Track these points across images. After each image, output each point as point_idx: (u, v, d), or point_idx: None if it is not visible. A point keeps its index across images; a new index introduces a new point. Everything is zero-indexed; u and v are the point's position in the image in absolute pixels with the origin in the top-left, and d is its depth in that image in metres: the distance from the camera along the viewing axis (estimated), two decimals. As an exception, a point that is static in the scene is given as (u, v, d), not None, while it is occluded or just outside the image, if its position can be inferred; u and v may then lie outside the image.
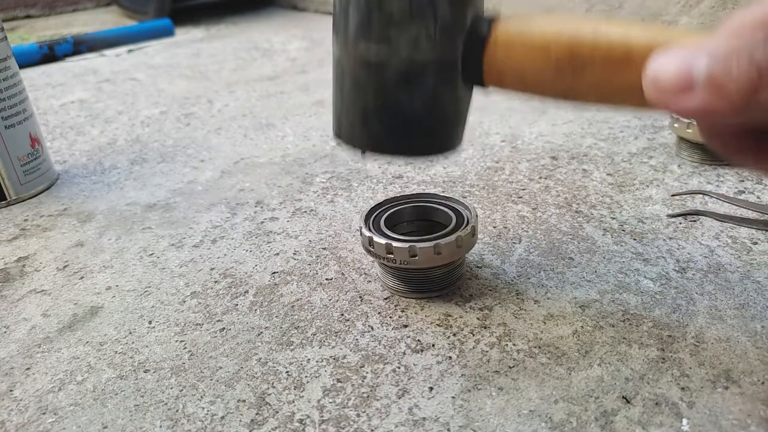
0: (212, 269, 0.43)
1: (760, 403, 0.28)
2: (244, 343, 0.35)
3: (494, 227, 0.45)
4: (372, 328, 0.35)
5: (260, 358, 0.34)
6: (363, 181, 0.55)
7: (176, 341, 0.36)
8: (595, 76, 0.26)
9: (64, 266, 0.45)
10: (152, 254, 0.45)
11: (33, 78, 1.04)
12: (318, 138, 0.67)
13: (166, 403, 0.31)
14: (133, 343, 0.36)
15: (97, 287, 0.42)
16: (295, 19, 1.49)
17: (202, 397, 0.31)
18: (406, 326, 0.35)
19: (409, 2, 0.27)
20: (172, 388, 0.32)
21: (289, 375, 0.32)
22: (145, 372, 0.33)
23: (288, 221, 0.49)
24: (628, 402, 0.29)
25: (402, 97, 0.29)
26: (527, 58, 0.27)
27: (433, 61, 0.28)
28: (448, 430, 0.28)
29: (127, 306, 0.39)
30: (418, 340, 0.34)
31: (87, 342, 0.36)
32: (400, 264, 0.35)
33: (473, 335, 0.34)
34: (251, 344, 0.35)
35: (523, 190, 0.51)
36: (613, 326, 0.34)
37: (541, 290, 0.38)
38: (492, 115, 0.69)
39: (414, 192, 0.42)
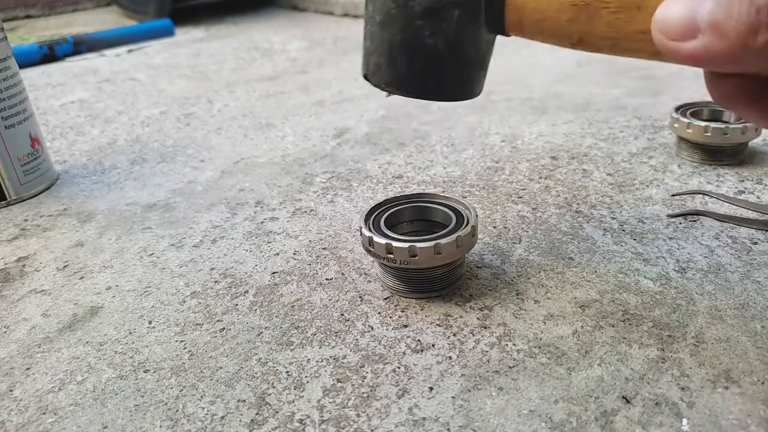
0: (212, 269, 0.43)
1: (760, 403, 0.28)
2: (244, 343, 0.35)
3: (494, 227, 0.45)
4: (372, 328, 0.35)
5: (260, 358, 0.34)
6: (363, 181, 0.55)
7: (176, 341, 0.36)
8: (608, 23, 0.27)
9: (64, 266, 0.45)
10: (152, 254, 0.45)
11: (33, 78, 1.04)
12: (318, 138, 0.67)
13: (166, 403, 0.31)
14: (133, 343, 0.36)
15: (97, 287, 0.42)
16: (295, 19, 1.49)
17: (202, 397, 0.31)
18: (406, 326, 0.35)
19: None
20: (172, 388, 0.32)
21: (289, 375, 0.32)
22: (145, 372, 0.33)
23: (288, 221, 0.49)
24: (628, 402, 0.29)
25: (425, 33, 0.30)
26: (545, 3, 0.28)
27: (457, 1, 0.29)
28: (448, 430, 0.28)
29: (127, 306, 0.39)
30: (418, 340, 0.34)
31: (87, 342, 0.36)
32: (400, 264, 0.35)
33: (473, 335, 0.34)
34: (251, 344, 0.35)
35: (523, 190, 0.51)
36: (613, 326, 0.34)
37: (541, 290, 0.38)
38: (492, 115, 0.69)
39: (414, 192, 0.42)
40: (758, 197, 0.47)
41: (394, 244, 0.35)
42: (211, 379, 0.32)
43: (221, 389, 0.32)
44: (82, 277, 0.43)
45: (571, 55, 0.93)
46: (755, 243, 0.41)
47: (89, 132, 0.75)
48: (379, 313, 0.37)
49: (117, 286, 0.42)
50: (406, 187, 0.53)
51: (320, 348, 0.34)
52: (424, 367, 0.32)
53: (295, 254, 0.44)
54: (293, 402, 0.30)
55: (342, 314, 0.37)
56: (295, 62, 1.03)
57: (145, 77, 1.00)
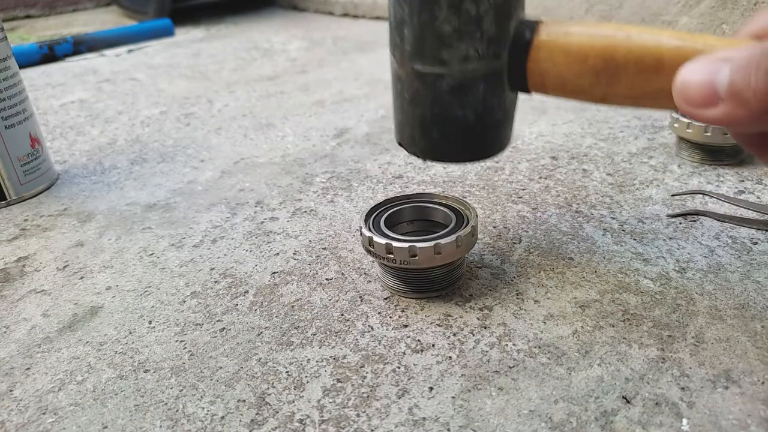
0: (212, 269, 0.43)
1: (760, 403, 0.28)
2: (244, 343, 0.35)
3: (494, 227, 0.45)
4: (372, 328, 0.35)
5: (260, 358, 0.34)
6: (363, 181, 0.55)
7: (176, 341, 0.36)
8: (628, 83, 0.28)
9: (64, 266, 0.45)
10: (152, 254, 0.45)
11: (33, 78, 1.04)
12: (318, 138, 0.67)
13: (166, 403, 0.31)
14: (133, 343, 0.36)
15: (97, 287, 0.42)
16: (295, 19, 1.49)
17: (202, 397, 0.31)
18: (406, 326, 0.35)
19: (457, 22, 0.29)
20: (172, 388, 0.32)
21: (289, 375, 0.32)
22: (145, 372, 0.33)
23: (288, 221, 0.49)
24: (628, 402, 0.29)
25: (455, 107, 0.32)
26: (566, 65, 0.30)
27: (482, 72, 0.31)
28: (448, 430, 0.28)
29: (127, 306, 0.39)
30: (418, 340, 0.34)
31: (87, 342, 0.36)
32: (400, 264, 0.35)
33: (473, 335, 0.34)
34: (251, 344, 0.35)
35: (523, 190, 0.51)
36: (613, 326, 0.34)
37: (541, 290, 0.38)
38: (492, 115, 0.69)
39: (414, 192, 0.42)
40: (758, 197, 0.47)
41: (394, 244, 0.35)
42: (211, 379, 0.32)
43: (221, 389, 0.32)
44: (82, 277, 0.43)
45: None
46: (755, 243, 0.41)
47: (89, 132, 0.75)
48: (379, 313, 0.37)
49: (117, 286, 0.42)
50: (406, 187, 0.53)
51: (320, 348, 0.34)
52: (424, 367, 0.32)
53: (295, 254, 0.44)
54: (293, 402, 0.30)
55: (342, 314, 0.37)
56: (295, 62, 1.03)
57: (145, 77, 1.00)
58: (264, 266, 0.43)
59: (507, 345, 0.33)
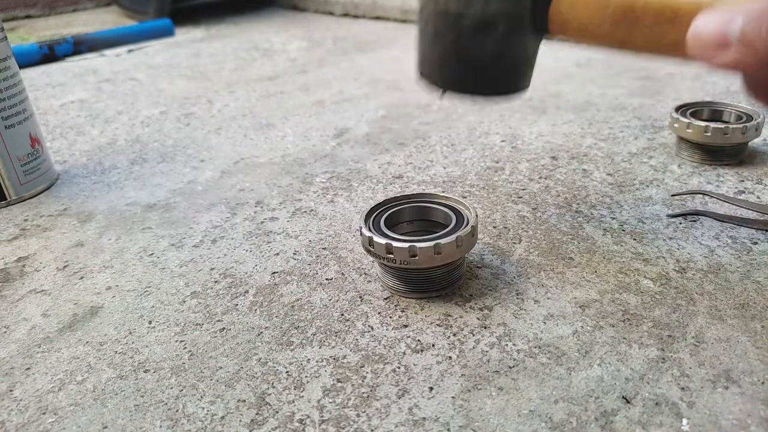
0: (212, 269, 0.43)
1: (760, 403, 0.28)
2: (244, 343, 0.35)
3: (494, 227, 0.45)
4: (372, 328, 0.35)
5: (260, 358, 0.34)
6: (363, 181, 0.55)
7: (176, 341, 0.36)
8: (646, 32, 0.30)
9: (64, 266, 0.45)
10: (152, 254, 0.45)
11: (33, 78, 1.04)
12: (318, 138, 0.67)
13: (166, 403, 0.31)
14: (133, 343, 0.36)
15: (97, 287, 0.42)
16: (295, 19, 1.49)
17: (202, 397, 0.31)
18: (406, 326, 0.35)
19: None
20: (172, 388, 0.32)
21: (289, 375, 0.32)
22: (145, 372, 0.33)
23: (288, 221, 0.49)
24: (628, 402, 0.29)
25: (475, 44, 0.33)
26: (587, 11, 0.31)
27: (504, 13, 0.32)
28: (448, 430, 0.28)
29: (127, 306, 0.39)
30: (418, 340, 0.34)
31: (87, 342, 0.36)
32: (400, 264, 0.35)
33: (473, 335, 0.34)
34: (251, 344, 0.35)
35: (523, 190, 0.51)
36: (613, 326, 0.34)
37: (541, 290, 0.38)
38: (492, 115, 0.69)
39: (414, 192, 0.42)
40: (758, 197, 0.47)
41: (394, 244, 0.35)
42: (211, 379, 0.32)
43: (221, 389, 0.32)
44: (82, 277, 0.43)
45: (570, 55, 0.93)
46: (755, 243, 0.41)
47: (89, 132, 0.75)
48: (379, 313, 0.37)
49: (117, 286, 0.42)
50: (406, 187, 0.53)
51: (320, 348, 0.34)
52: (424, 367, 0.32)
53: (295, 254, 0.44)
54: (293, 402, 0.30)
55: (342, 314, 0.37)
56: (295, 62, 1.03)
57: (145, 77, 1.00)
58: (264, 266, 0.43)
59: (507, 345, 0.33)
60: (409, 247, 0.35)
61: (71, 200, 0.56)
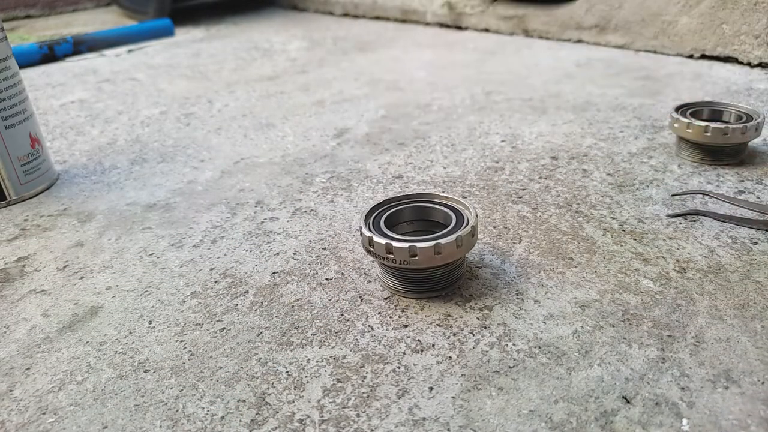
0: (212, 269, 0.43)
1: (760, 403, 0.28)
2: (244, 343, 0.35)
3: (494, 227, 0.45)
4: (372, 328, 0.35)
5: (260, 358, 0.34)
6: (363, 181, 0.55)
7: (176, 341, 0.36)
8: None
9: (64, 266, 0.45)
10: (152, 254, 0.45)
11: (33, 78, 1.04)
12: (318, 138, 0.67)
13: (166, 403, 0.31)
14: (133, 343, 0.36)
15: (97, 287, 0.42)
16: (295, 19, 1.49)
17: (202, 397, 0.31)
18: (406, 326, 0.35)
19: None
20: (172, 388, 0.32)
21: (289, 375, 0.32)
22: (145, 372, 0.33)
23: (288, 221, 0.49)
24: (628, 402, 0.29)
25: None
26: None
27: None
28: (448, 430, 0.28)
29: (127, 306, 0.39)
30: (418, 340, 0.34)
31: (87, 342, 0.36)
32: (400, 264, 0.35)
33: (473, 335, 0.34)
34: (251, 344, 0.35)
35: (523, 190, 0.51)
36: (613, 326, 0.34)
37: (541, 290, 0.38)
38: (492, 115, 0.69)
39: (414, 192, 0.42)
40: (758, 197, 0.47)
41: (394, 244, 0.35)
42: (211, 379, 0.32)
43: (221, 389, 0.32)
44: (82, 277, 0.43)
45: (571, 55, 0.93)
46: (755, 243, 0.41)
47: (89, 132, 0.75)
48: (379, 313, 0.37)
49: (117, 286, 0.42)
50: (406, 187, 0.53)
51: (320, 348, 0.34)
52: (424, 367, 0.32)
53: (295, 254, 0.44)
54: (293, 402, 0.30)
55: (342, 314, 0.37)
56: (295, 62, 1.03)
57: (145, 77, 1.00)
58: (264, 266, 0.43)
59: (507, 345, 0.33)
60: (409, 247, 0.35)
61: (71, 200, 0.56)
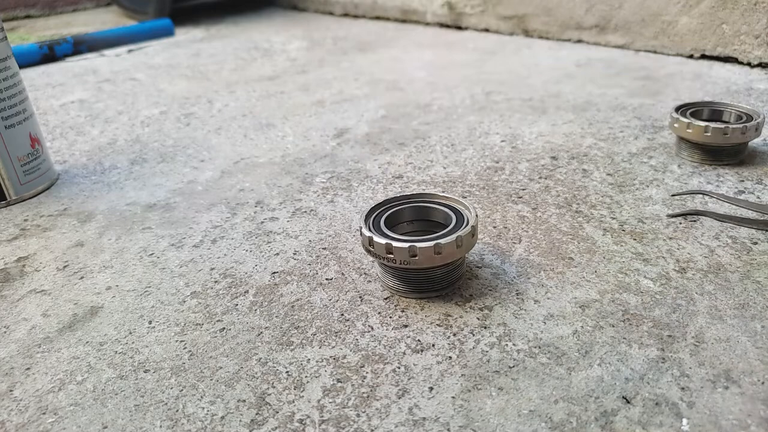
0: (212, 269, 0.43)
1: (760, 403, 0.28)
2: (244, 343, 0.35)
3: (494, 227, 0.45)
4: (372, 328, 0.35)
5: (260, 358, 0.34)
6: (363, 181, 0.55)
7: (176, 341, 0.36)
8: None
9: (64, 266, 0.45)
10: (152, 254, 0.45)
11: (33, 78, 1.04)
12: (318, 138, 0.67)
13: (166, 403, 0.31)
14: (133, 343, 0.36)
15: (97, 287, 0.42)
16: (295, 19, 1.49)
17: (202, 397, 0.31)
18: (406, 326, 0.35)
19: None
20: (172, 388, 0.32)
21: (289, 375, 0.32)
22: (145, 372, 0.33)
23: (288, 221, 0.49)
24: (628, 402, 0.29)
25: None
26: None
27: None
28: (448, 430, 0.28)
29: (127, 306, 0.39)
30: (418, 340, 0.34)
31: (87, 342, 0.36)
32: (400, 264, 0.35)
33: (473, 335, 0.34)
34: (251, 344, 0.35)
35: (523, 190, 0.51)
36: (613, 326, 0.34)
37: (541, 290, 0.38)
38: (492, 115, 0.69)
39: (414, 192, 0.42)
40: (758, 197, 0.47)
41: (394, 244, 0.35)
42: (211, 379, 0.32)
43: (221, 389, 0.32)
44: (82, 277, 0.43)
45: (571, 55, 0.93)
46: (755, 243, 0.41)
47: (89, 132, 0.75)
48: (379, 313, 0.37)
49: (117, 286, 0.42)
50: (406, 187, 0.53)
51: (320, 348, 0.34)
52: (424, 367, 0.32)
53: (295, 254, 0.44)
54: (293, 402, 0.30)
55: (342, 314, 0.37)
56: (295, 62, 1.03)
57: (145, 77, 1.00)
58: (264, 266, 0.43)
59: (507, 345, 0.33)
60: (409, 247, 0.35)
61: (71, 200, 0.56)
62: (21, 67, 1.10)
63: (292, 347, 0.34)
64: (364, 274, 0.41)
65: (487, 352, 0.33)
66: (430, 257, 0.35)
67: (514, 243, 0.43)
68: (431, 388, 0.31)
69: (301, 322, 0.36)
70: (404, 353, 0.33)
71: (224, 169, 0.60)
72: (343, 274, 0.41)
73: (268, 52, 1.13)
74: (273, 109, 0.78)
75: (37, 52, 1.15)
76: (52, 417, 0.31)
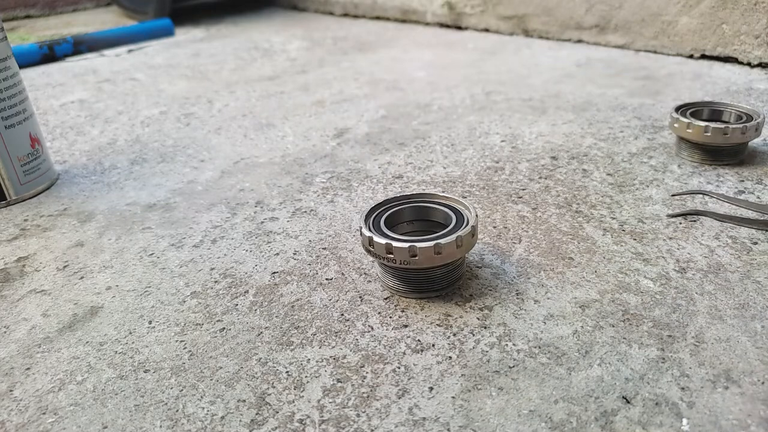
0: (212, 269, 0.43)
1: (760, 403, 0.28)
2: (244, 343, 0.35)
3: (494, 227, 0.45)
4: (372, 328, 0.35)
5: (260, 358, 0.34)
6: (363, 181, 0.55)
7: (176, 341, 0.36)
8: None
9: (64, 266, 0.45)
10: (152, 254, 0.45)
11: (33, 78, 1.04)
12: (318, 138, 0.67)
13: (166, 403, 0.31)
14: (133, 343, 0.36)
15: (97, 287, 0.42)
16: (295, 19, 1.49)
17: (202, 397, 0.31)
18: (406, 326, 0.35)
19: None
20: (172, 388, 0.32)
21: (289, 375, 0.32)
22: (145, 372, 0.33)
23: (288, 221, 0.49)
24: (628, 402, 0.29)
25: None
26: None
27: None
28: (448, 430, 0.28)
29: (127, 306, 0.39)
30: (418, 340, 0.34)
31: (87, 342, 0.36)
32: (400, 264, 0.35)
33: (473, 335, 0.34)
34: (251, 344, 0.35)
35: (523, 190, 0.51)
36: (613, 326, 0.34)
37: (541, 290, 0.38)
38: (492, 115, 0.69)
39: (414, 192, 0.42)
40: (758, 197, 0.47)
41: (394, 244, 0.35)
42: (211, 379, 0.32)
43: (221, 389, 0.32)
44: (82, 277, 0.43)
45: (571, 55, 0.93)
46: (755, 243, 0.41)
47: (89, 132, 0.75)
48: (379, 313, 0.37)
49: (117, 286, 0.42)
50: (406, 187, 0.53)
51: (320, 348, 0.34)
52: (424, 367, 0.32)
53: (295, 254, 0.44)
54: (293, 402, 0.30)
55: (342, 314, 0.37)
56: (295, 62, 1.03)
57: (145, 77, 1.00)
58: (264, 266, 0.43)
59: (507, 345, 0.33)
60: (409, 247, 0.35)
61: (71, 200, 0.56)
62: (21, 67, 1.10)
63: (292, 347, 0.34)
64: (364, 274, 0.41)
65: (487, 352, 0.33)
66: (430, 257, 0.35)
67: (514, 243, 0.43)
68: (431, 388, 0.31)
69: (301, 322, 0.36)
70: (404, 353, 0.33)
71: (224, 169, 0.60)
72: (343, 274, 0.41)
73: (268, 52, 1.13)
74: (273, 109, 0.78)
75: (37, 52, 1.15)
76: (52, 417, 0.31)
